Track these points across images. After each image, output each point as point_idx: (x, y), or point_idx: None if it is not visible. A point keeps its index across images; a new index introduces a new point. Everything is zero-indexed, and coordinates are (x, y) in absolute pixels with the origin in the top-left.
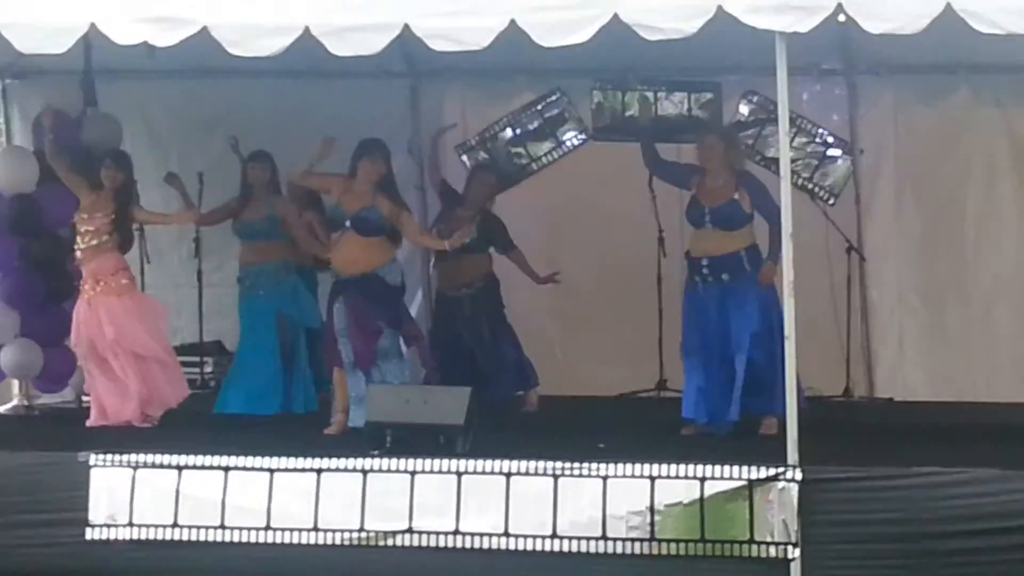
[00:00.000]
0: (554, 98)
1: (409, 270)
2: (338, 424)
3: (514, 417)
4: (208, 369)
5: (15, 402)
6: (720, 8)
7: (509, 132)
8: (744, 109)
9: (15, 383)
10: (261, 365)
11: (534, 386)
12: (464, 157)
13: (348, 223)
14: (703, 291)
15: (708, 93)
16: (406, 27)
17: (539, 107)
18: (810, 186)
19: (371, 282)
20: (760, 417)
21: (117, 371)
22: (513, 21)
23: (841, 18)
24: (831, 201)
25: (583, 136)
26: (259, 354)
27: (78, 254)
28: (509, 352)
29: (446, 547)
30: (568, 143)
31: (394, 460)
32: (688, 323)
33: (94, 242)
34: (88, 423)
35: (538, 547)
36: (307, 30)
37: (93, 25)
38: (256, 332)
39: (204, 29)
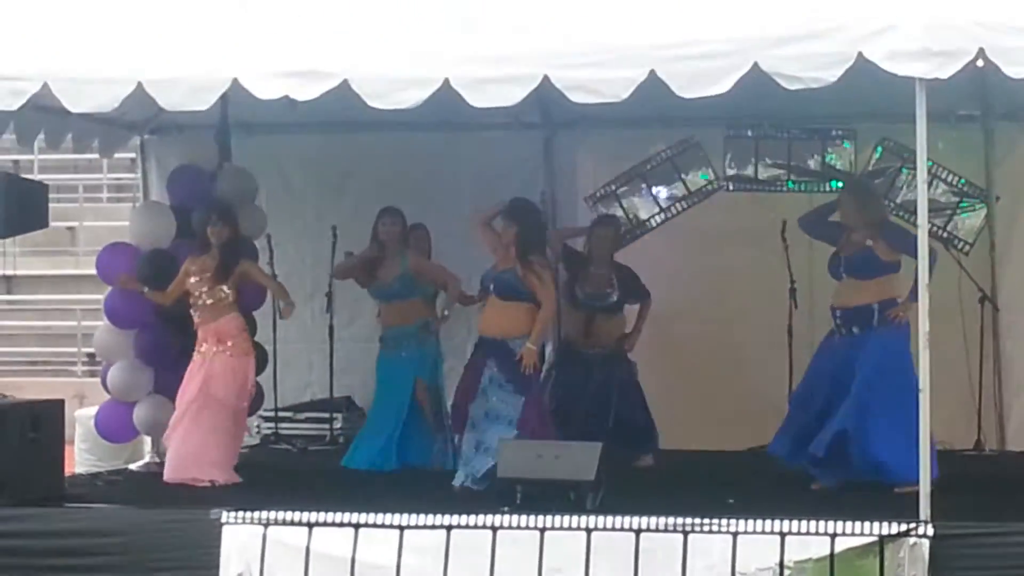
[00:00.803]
0: (686, 146)
1: None
2: None
3: (638, 473)
4: (338, 424)
5: (147, 459)
6: (860, 55)
7: (640, 182)
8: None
9: (148, 440)
10: (390, 423)
11: (654, 449)
12: (594, 209)
13: (491, 286)
14: (837, 342)
15: (843, 141)
16: (545, 78)
17: (671, 155)
18: (944, 234)
19: (501, 349)
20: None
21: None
22: (652, 72)
23: (980, 63)
24: (966, 250)
25: (715, 185)
26: (391, 412)
27: (197, 317)
28: (637, 415)
29: None
30: (699, 191)
31: (524, 516)
32: (810, 368)
33: (210, 301)
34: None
35: None
36: (446, 82)
37: (236, 80)
38: (392, 392)
39: (345, 82)
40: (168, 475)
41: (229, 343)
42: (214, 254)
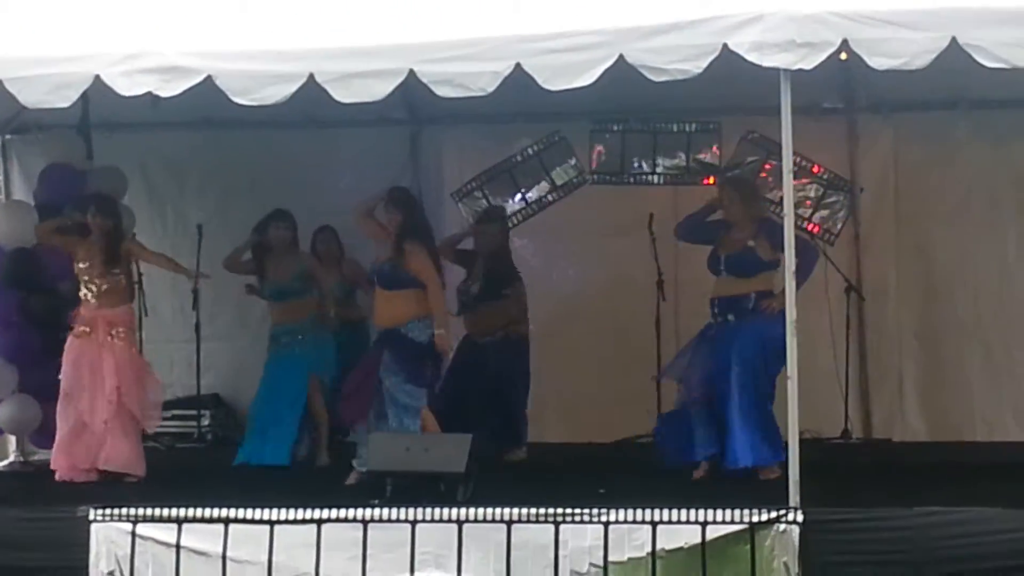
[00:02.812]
0: (552, 141)
1: None
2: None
3: (509, 464)
4: (206, 422)
5: (11, 458)
6: (725, 47)
7: (507, 177)
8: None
9: (12, 439)
10: (284, 418)
11: (522, 446)
12: (460, 204)
13: (375, 278)
14: (714, 329)
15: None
16: (411, 73)
17: (537, 150)
18: (809, 226)
19: (394, 338)
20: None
21: (94, 420)
22: (519, 65)
23: (843, 56)
24: (831, 240)
25: (581, 179)
26: (284, 408)
27: (91, 301)
28: (515, 408)
29: None
30: (566, 185)
31: (395, 509)
32: (684, 351)
33: (105, 287)
34: (58, 476)
35: None
36: (311, 77)
37: (98, 77)
38: (282, 387)
39: (208, 78)
40: (102, 464)
41: (122, 332)
42: (98, 238)
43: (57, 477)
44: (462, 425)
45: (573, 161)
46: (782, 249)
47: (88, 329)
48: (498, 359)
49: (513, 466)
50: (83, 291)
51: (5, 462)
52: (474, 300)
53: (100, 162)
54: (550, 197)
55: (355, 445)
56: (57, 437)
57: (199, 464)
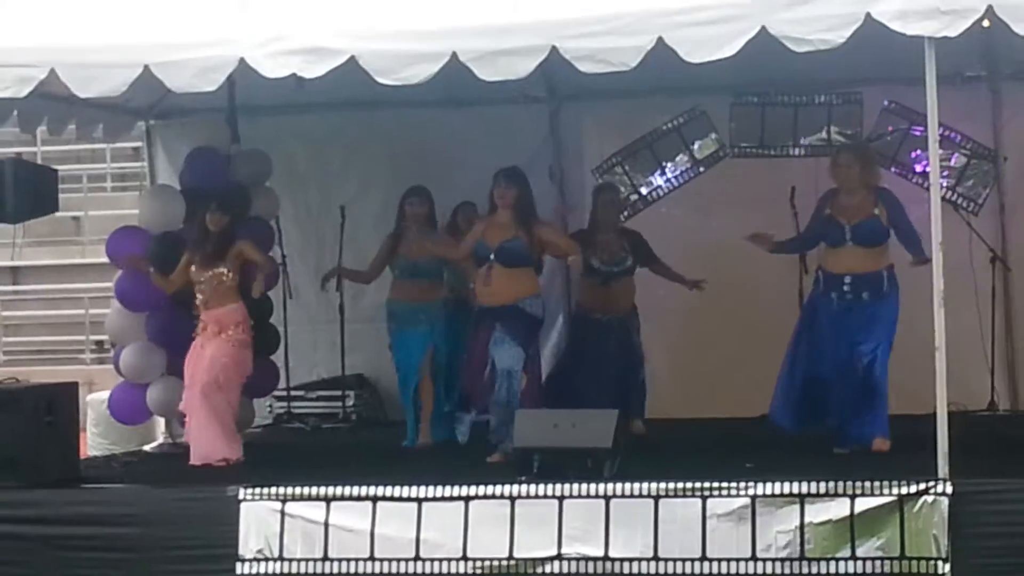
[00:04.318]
0: (692, 115)
1: (549, 294)
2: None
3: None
4: (350, 402)
5: (160, 440)
6: (868, 16)
7: (647, 153)
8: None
9: (161, 421)
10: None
11: (639, 416)
12: (601, 180)
13: (492, 256)
14: (837, 306)
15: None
16: (553, 49)
17: (677, 124)
18: (953, 196)
19: (512, 313)
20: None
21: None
22: (661, 39)
23: (986, 23)
24: (975, 211)
25: (722, 153)
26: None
27: (200, 304)
28: (635, 380)
29: (595, 573)
30: (706, 159)
31: (542, 486)
32: (810, 333)
33: (211, 287)
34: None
35: (687, 570)
36: (455, 55)
37: (243, 60)
38: (410, 368)
39: (352, 59)
40: (194, 460)
41: (229, 331)
42: (210, 242)
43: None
44: (586, 403)
45: (713, 135)
46: (895, 221)
47: (201, 330)
48: (620, 335)
49: (643, 440)
50: (196, 295)
51: (154, 444)
52: (607, 275)
53: (245, 146)
54: (691, 172)
55: (486, 423)
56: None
57: (345, 444)
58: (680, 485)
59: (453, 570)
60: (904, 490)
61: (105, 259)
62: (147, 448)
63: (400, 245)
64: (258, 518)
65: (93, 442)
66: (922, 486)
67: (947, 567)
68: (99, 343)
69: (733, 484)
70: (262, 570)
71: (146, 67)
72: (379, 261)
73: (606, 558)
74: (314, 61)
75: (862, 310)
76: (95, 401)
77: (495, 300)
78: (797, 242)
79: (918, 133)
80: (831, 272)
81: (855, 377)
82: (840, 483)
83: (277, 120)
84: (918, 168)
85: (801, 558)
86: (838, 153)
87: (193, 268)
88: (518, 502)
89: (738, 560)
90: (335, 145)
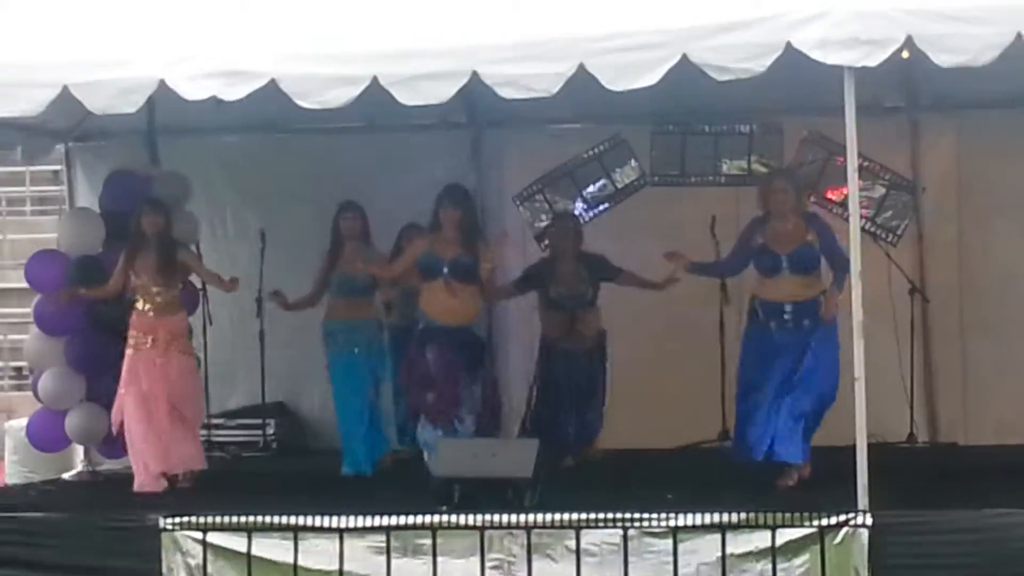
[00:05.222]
0: (613, 143)
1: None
2: None
3: (577, 469)
4: (271, 430)
5: (79, 468)
6: (789, 45)
7: (568, 180)
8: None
9: (79, 449)
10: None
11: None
12: (522, 207)
13: (446, 270)
14: (778, 336)
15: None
16: (474, 75)
17: (598, 152)
18: (872, 228)
19: (463, 334)
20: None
21: (163, 427)
22: (582, 65)
23: (905, 54)
24: (894, 242)
25: (642, 180)
26: (356, 413)
27: (148, 312)
28: (595, 409)
29: None
30: (627, 188)
31: (463, 516)
32: (754, 367)
33: (162, 297)
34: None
35: None
36: (375, 80)
37: (162, 82)
38: (352, 393)
39: (272, 81)
40: (175, 469)
41: (182, 341)
42: (152, 248)
43: (136, 487)
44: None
45: (634, 163)
46: (825, 246)
47: (147, 341)
48: (590, 365)
49: (578, 469)
50: (141, 301)
51: (73, 472)
52: (574, 303)
53: (164, 168)
54: (612, 201)
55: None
56: (131, 450)
57: (266, 472)
58: (601, 516)
59: None
60: (825, 521)
61: (24, 284)
62: (66, 476)
63: (338, 262)
64: (181, 548)
65: (12, 470)
66: (842, 517)
67: None
68: (18, 369)
69: (654, 515)
70: None
71: (65, 87)
72: (321, 280)
73: None
74: (234, 83)
75: (803, 337)
76: (14, 428)
77: (452, 318)
78: (719, 266)
79: (838, 163)
80: (770, 301)
81: (789, 399)
82: (761, 514)
83: (197, 142)
84: (833, 197)
85: None
86: (772, 179)
87: (141, 276)
88: (440, 532)
89: None
90: (254, 168)
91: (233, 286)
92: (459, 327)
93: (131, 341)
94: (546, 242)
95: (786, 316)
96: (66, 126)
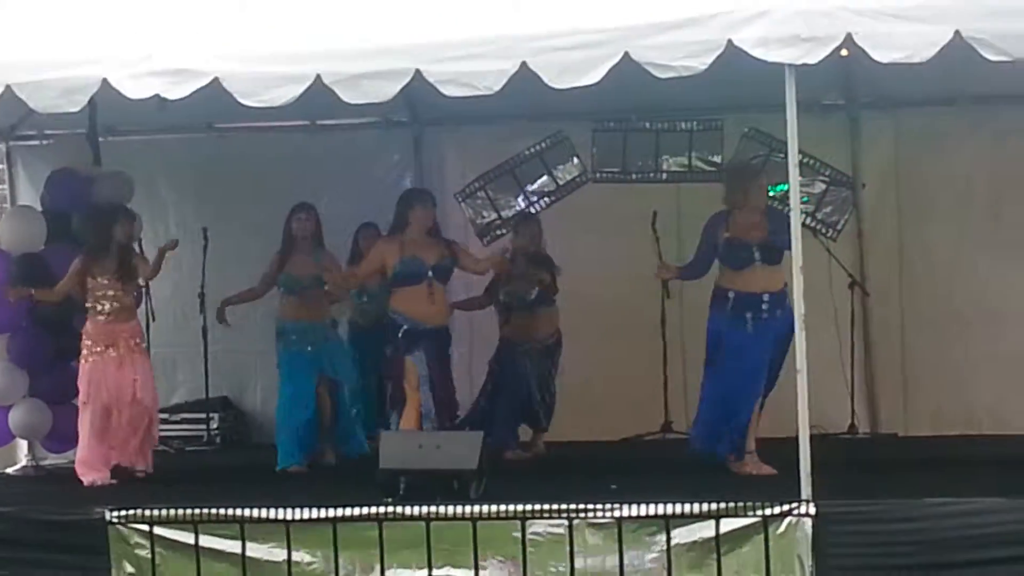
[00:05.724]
0: (555, 140)
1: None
2: None
3: (521, 462)
4: (215, 425)
5: (23, 463)
6: (730, 43)
7: (509, 177)
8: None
9: (23, 444)
10: (301, 419)
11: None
12: (463, 204)
13: (431, 273)
14: (753, 328)
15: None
16: (417, 73)
17: (539, 149)
18: (812, 223)
19: (445, 336)
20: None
21: (121, 427)
22: (524, 63)
23: (844, 52)
24: (834, 236)
25: (584, 177)
26: (301, 407)
27: (108, 316)
28: (545, 406)
29: None
30: (568, 184)
31: (408, 508)
32: (727, 356)
33: (120, 302)
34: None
35: None
36: (318, 78)
37: (105, 81)
38: (298, 387)
39: (215, 80)
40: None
41: (141, 343)
42: (114, 254)
43: (86, 483)
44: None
45: (575, 160)
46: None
47: (108, 345)
48: (543, 363)
49: (526, 461)
50: (99, 307)
51: (17, 467)
52: (531, 305)
53: (106, 166)
54: (553, 197)
55: None
56: (84, 451)
57: (209, 465)
58: (546, 507)
59: None
60: (768, 511)
61: None
62: (9, 471)
63: (287, 263)
64: (128, 541)
65: None
66: (786, 507)
67: None
68: None
69: (599, 506)
70: None
71: (8, 87)
72: (268, 278)
73: None
74: (177, 82)
75: (778, 327)
76: None
77: (436, 320)
78: (695, 267)
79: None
80: (746, 292)
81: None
82: (705, 504)
83: (139, 141)
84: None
85: None
86: (757, 175)
87: (102, 279)
88: (386, 524)
89: None
90: (197, 167)
91: (172, 244)
92: (441, 327)
93: (86, 351)
94: (509, 247)
95: (764, 306)
96: (7, 124)
